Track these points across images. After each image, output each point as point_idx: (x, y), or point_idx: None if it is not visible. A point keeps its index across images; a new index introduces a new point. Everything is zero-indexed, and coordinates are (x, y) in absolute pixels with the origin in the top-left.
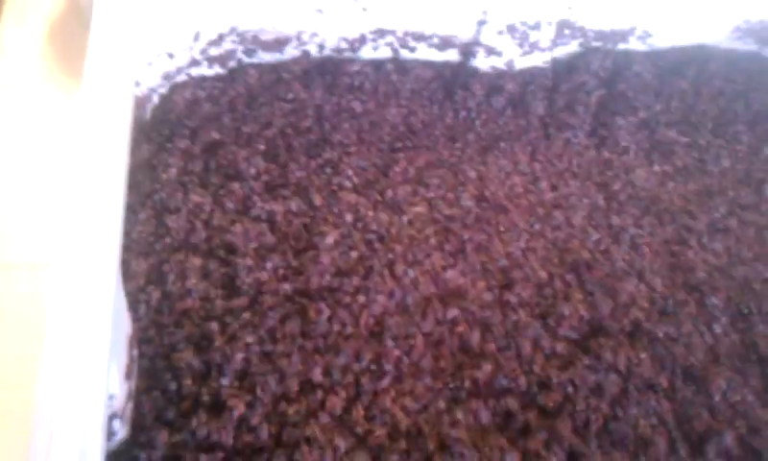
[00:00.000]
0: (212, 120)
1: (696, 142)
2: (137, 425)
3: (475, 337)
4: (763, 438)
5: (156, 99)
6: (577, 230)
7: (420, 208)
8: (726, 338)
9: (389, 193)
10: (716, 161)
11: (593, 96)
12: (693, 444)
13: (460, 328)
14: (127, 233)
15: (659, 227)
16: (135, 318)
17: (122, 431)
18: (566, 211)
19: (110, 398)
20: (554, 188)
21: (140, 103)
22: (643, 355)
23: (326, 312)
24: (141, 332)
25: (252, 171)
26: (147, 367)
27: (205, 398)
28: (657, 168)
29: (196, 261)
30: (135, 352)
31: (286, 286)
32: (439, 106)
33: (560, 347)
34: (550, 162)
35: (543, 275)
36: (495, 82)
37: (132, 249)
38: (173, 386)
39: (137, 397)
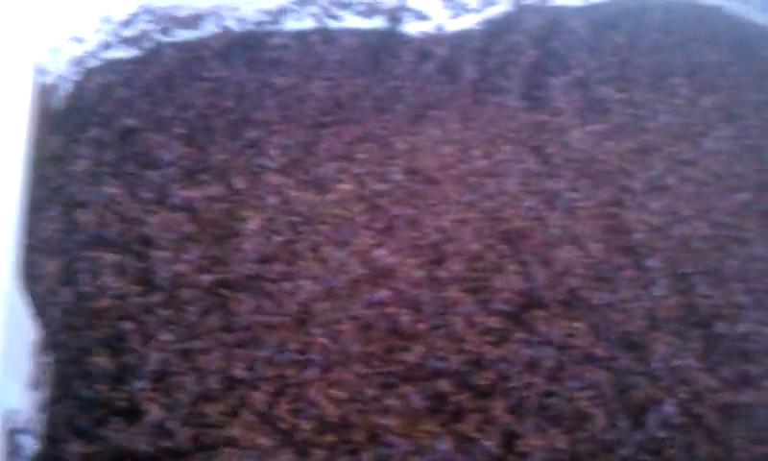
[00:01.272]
0: (127, 105)
1: (632, 99)
2: (49, 438)
3: (405, 318)
4: (705, 404)
5: (69, 87)
6: (510, 198)
7: (348, 186)
8: (665, 301)
9: (314, 171)
10: (653, 117)
11: (526, 56)
12: (633, 414)
13: (389, 310)
14: (33, 233)
15: (594, 189)
16: (45, 323)
17: (32, 446)
18: (499, 179)
19: (11, 413)
20: (487, 155)
21: (48, 91)
22: (579, 325)
23: (249, 303)
24: (52, 337)
25: (170, 157)
26: (60, 374)
27: (120, 403)
28: (591, 128)
29: (109, 257)
30: (46, 360)
31: (206, 278)
32: (366, 76)
33: (493, 322)
34: (482, 128)
35: (476, 247)
36: (424, 47)
37: (39, 249)
38: (86, 393)
39: (50, 406)
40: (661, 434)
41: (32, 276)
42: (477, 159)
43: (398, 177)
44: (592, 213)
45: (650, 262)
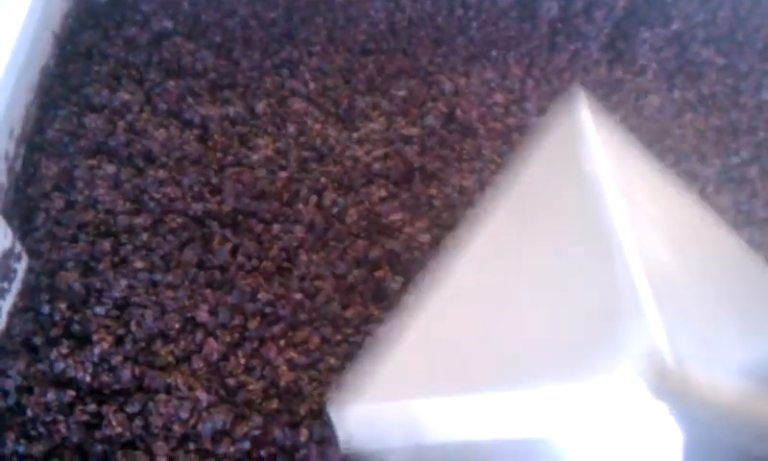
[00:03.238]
0: (170, 6)
1: (735, 66)
2: (3, 350)
3: (394, 286)
4: None
5: None
6: None
7: (375, 125)
8: None
9: (344, 104)
10: (755, 92)
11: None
12: None
13: (379, 273)
14: (41, 131)
15: None
16: (30, 228)
17: None
18: None
19: None
20: (542, 111)
21: None
22: None
23: (232, 241)
24: (34, 244)
25: (197, 67)
26: (31, 284)
27: (76, 327)
28: (676, 95)
29: (109, 168)
30: (18, 266)
31: (196, 206)
32: (433, 1)
33: None
34: (547, 79)
35: None
36: None
37: (43, 149)
38: (47, 310)
39: (10, 317)
40: None
41: (28, 176)
42: (529, 115)
43: (433, 122)
44: None
45: None
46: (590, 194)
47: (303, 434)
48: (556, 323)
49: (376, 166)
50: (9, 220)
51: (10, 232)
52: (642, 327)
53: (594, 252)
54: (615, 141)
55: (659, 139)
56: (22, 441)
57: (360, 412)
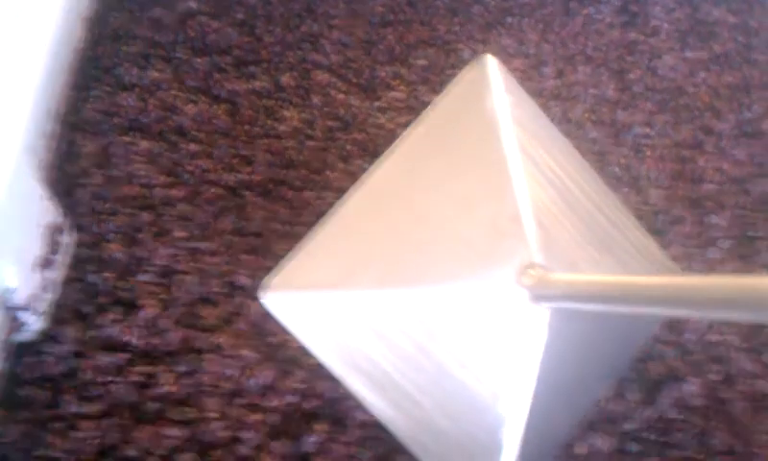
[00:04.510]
0: None
1: (747, 24)
2: (56, 318)
3: None
4: (735, 389)
5: None
6: (572, 127)
7: (398, 93)
8: (719, 265)
9: (367, 74)
10: (766, 48)
11: None
12: (646, 388)
13: None
14: (77, 111)
15: (674, 126)
16: (72, 203)
17: (36, 323)
18: (566, 103)
19: (10, 291)
20: (559, 75)
21: None
22: None
23: (266, 208)
24: (77, 219)
25: (223, 44)
26: (76, 257)
27: (123, 293)
28: (689, 54)
29: (143, 144)
30: (66, 240)
31: (230, 177)
32: None
33: None
34: (563, 43)
35: None
36: None
37: (80, 128)
38: (94, 279)
39: (60, 287)
40: (674, 415)
41: (68, 154)
42: (547, 78)
43: None
44: (663, 154)
45: (714, 219)
46: (490, 127)
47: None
48: (454, 233)
49: (400, 132)
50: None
51: (54, 208)
52: (521, 245)
53: (489, 176)
54: (517, 92)
55: (673, 98)
56: (79, 402)
57: (287, 300)
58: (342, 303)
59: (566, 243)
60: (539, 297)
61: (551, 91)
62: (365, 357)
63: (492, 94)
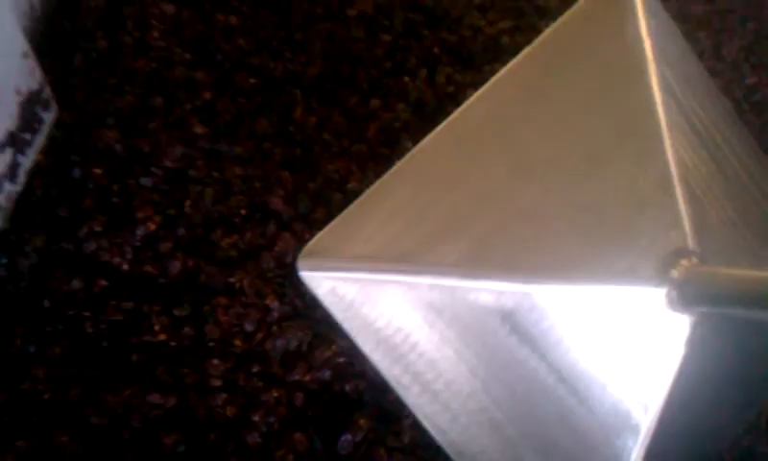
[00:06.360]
0: None
1: None
2: (18, 219)
3: None
4: None
5: None
6: (726, 67)
7: None
8: None
9: None
10: None
11: None
12: None
13: None
14: None
15: None
16: (64, 70)
17: None
18: (718, 35)
19: None
20: None
21: None
22: None
23: (318, 113)
24: (67, 91)
25: None
26: (60, 141)
27: (114, 199)
28: None
29: (167, 7)
30: (46, 116)
31: (275, 65)
32: None
33: None
34: None
35: None
36: None
37: None
38: (78, 173)
39: (35, 177)
40: None
41: (67, 4)
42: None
43: None
44: None
45: None
46: (630, 60)
47: None
48: (575, 200)
49: (504, 40)
50: (39, 56)
51: (39, 71)
52: (670, 223)
53: (628, 126)
54: (661, 16)
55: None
56: (34, 338)
57: (332, 276)
58: (406, 287)
59: (722, 225)
60: (686, 296)
61: (699, 18)
62: (423, 360)
63: (634, 16)
